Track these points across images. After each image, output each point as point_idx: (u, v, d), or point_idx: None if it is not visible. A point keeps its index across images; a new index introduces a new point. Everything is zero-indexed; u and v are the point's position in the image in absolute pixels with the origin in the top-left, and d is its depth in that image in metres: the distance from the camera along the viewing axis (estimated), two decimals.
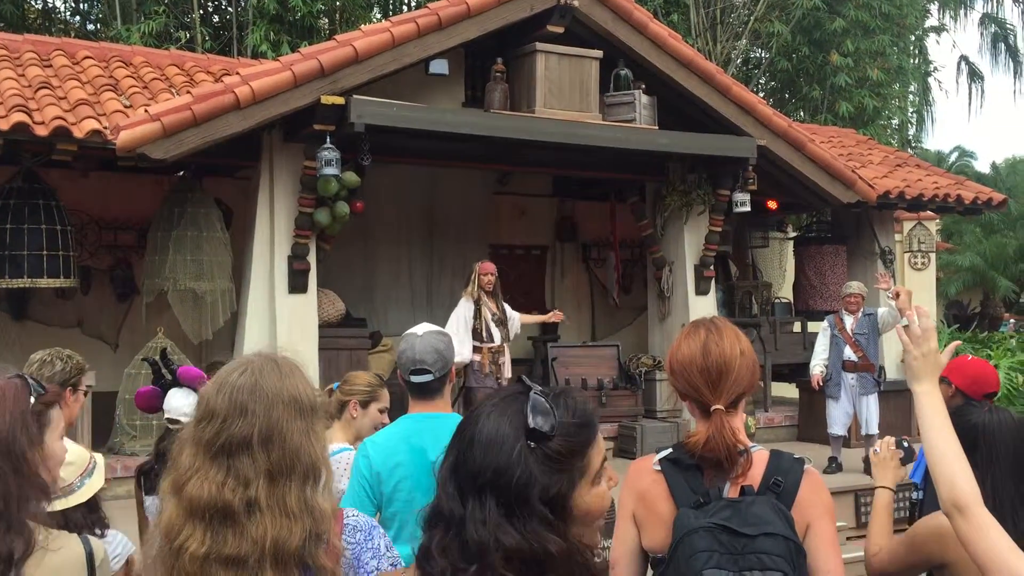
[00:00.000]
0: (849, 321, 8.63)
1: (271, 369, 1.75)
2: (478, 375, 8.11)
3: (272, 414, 1.69)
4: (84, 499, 3.12)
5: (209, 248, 7.80)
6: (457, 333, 7.64)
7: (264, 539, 1.63)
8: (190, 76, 9.09)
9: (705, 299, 9.86)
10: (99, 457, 3.29)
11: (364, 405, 3.90)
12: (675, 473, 2.10)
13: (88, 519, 3.12)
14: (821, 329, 8.90)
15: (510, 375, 8.25)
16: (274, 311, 7.87)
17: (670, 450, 2.15)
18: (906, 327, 2.25)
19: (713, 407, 2.11)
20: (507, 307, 8.46)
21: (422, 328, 3.16)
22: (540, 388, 1.45)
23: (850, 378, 8.61)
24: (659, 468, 2.13)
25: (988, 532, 1.95)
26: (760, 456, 2.12)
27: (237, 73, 7.66)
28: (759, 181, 9.34)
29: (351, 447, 3.71)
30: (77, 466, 3.12)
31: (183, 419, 3.61)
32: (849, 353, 8.56)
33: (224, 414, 1.69)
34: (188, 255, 7.69)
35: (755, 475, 2.08)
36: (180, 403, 3.63)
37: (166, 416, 3.65)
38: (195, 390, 3.65)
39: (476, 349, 8.04)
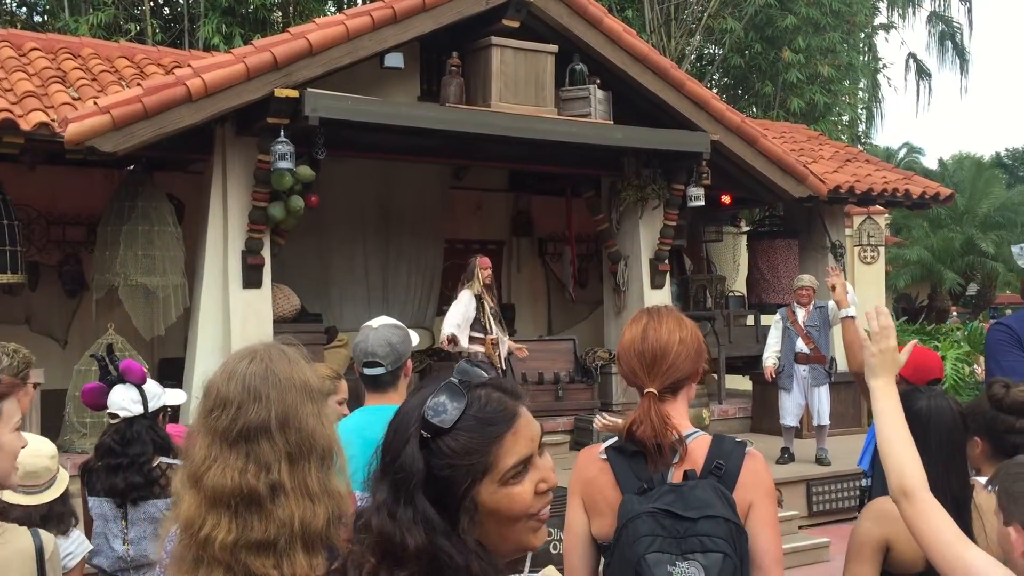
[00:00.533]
0: (801, 314, 8.76)
1: (279, 356, 1.76)
2: (485, 366, 8.02)
3: (286, 398, 1.70)
4: (51, 498, 3.12)
5: (161, 243, 7.68)
6: (459, 326, 7.68)
7: (292, 521, 1.64)
8: (140, 69, 8.94)
9: (660, 292, 9.94)
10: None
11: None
12: (620, 461, 2.13)
13: (66, 510, 3.16)
14: (773, 322, 9.03)
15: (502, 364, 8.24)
16: (228, 306, 7.78)
17: (616, 438, 2.18)
18: (868, 332, 2.30)
19: (646, 390, 2.15)
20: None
21: (378, 321, 3.16)
22: (462, 377, 1.42)
23: (802, 370, 8.75)
24: (605, 457, 2.16)
25: (933, 517, 2.01)
26: (703, 441, 2.15)
27: (189, 66, 7.56)
28: (713, 176, 9.43)
29: None
30: (51, 466, 3.15)
31: (122, 413, 3.57)
32: (801, 345, 8.70)
33: (239, 401, 1.69)
34: (139, 250, 7.57)
35: (698, 460, 2.11)
36: (120, 398, 3.59)
37: (108, 411, 3.61)
38: (137, 386, 3.62)
39: (479, 341, 7.98)
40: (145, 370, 3.72)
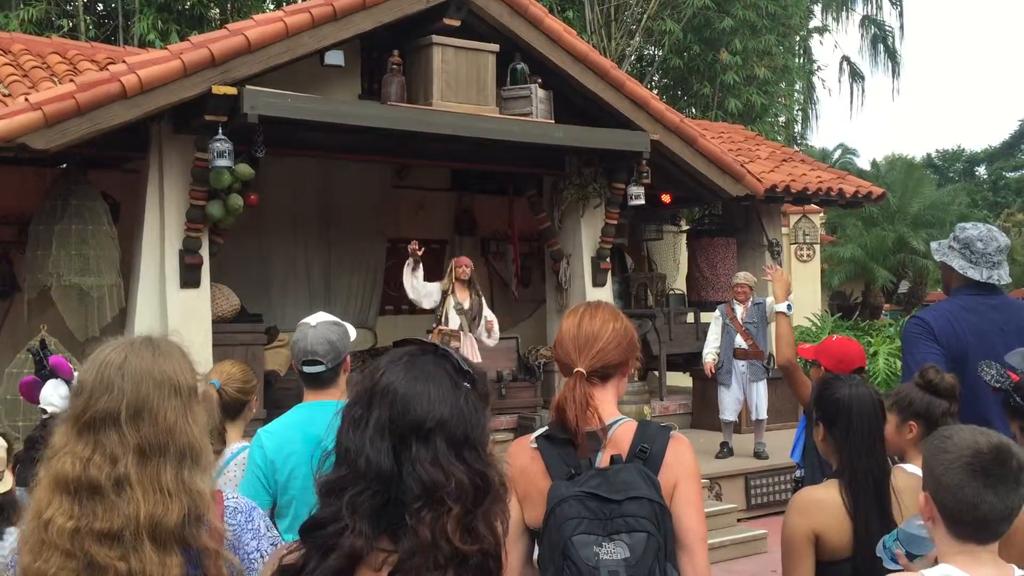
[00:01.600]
0: (739, 310, 8.91)
1: (144, 347, 1.74)
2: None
3: (140, 390, 1.68)
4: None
5: (95, 242, 7.52)
6: (414, 288, 8.16)
7: (137, 514, 1.61)
8: (73, 65, 8.75)
9: (602, 291, 10.01)
10: None
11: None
12: (550, 449, 2.17)
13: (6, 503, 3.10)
14: (713, 319, 9.18)
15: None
16: (165, 306, 7.66)
17: (545, 427, 2.24)
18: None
19: (575, 369, 2.21)
20: (488, 313, 8.53)
21: (315, 318, 3.16)
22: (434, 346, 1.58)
23: (740, 365, 8.90)
24: (535, 446, 2.20)
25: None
26: (629, 427, 2.21)
27: (123, 62, 7.41)
28: (653, 175, 9.53)
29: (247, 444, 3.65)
30: None
31: (50, 409, 3.52)
32: (740, 341, 8.85)
33: (91, 389, 1.68)
34: (73, 250, 7.40)
35: (624, 445, 2.17)
36: (50, 393, 3.54)
37: (40, 406, 3.56)
38: (67, 381, 3.57)
39: (429, 331, 8.28)
40: (73, 368, 3.66)
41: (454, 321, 8.30)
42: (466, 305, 8.35)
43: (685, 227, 13.06)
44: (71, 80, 7.29)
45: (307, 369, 3.02)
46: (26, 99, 6.78)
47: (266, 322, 9.06)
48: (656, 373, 10.99)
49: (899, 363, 12.14)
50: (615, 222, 9.97)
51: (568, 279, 10.06)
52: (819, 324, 13.40)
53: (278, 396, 8.01)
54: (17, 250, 8.59)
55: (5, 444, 3.19)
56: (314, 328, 3.08)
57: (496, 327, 8.61)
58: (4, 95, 7.45)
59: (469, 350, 8.36)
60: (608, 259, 10.09)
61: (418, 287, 8.17)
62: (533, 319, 11.62)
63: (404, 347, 1.56)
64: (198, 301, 7.80)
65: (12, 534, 3.22)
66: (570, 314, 2.33)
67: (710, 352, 9.00)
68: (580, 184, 9.72)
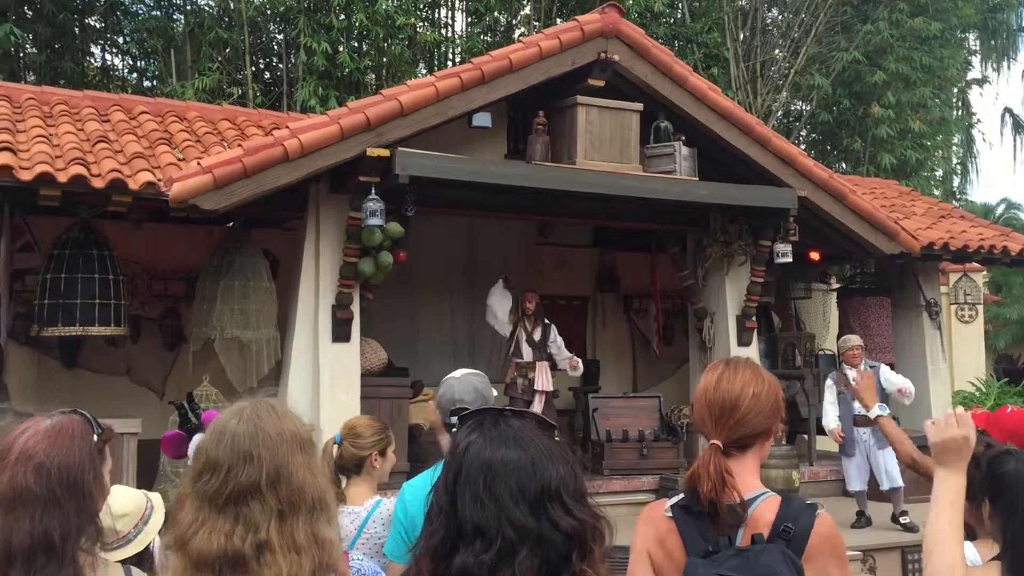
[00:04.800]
0: (852, 375, 8.41)
1: (267, 412, 1.75)
2: (511, 388, 9.01)
3: (278, 455, 1.69)
4: (139, 549, 3.10)
5: (255, 297, 7.90)
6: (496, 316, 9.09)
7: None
8: (241, 130, 9.29)
9: (747, 350, 9.73)
10: (156, 497, 3.28)
11: (382, 453, 3.84)
12: (687, 521, 2.07)
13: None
14: (827, 387, 8.71)
15: (545, 387, 9.06)
16: (318, 359, 7.92)
17: (681, 495, 2.13)
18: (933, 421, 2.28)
19: (711, 441, 2.09)
20: (560, 340, 9.30)
21: (459, 372, 3.21)
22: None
23: (862, 433, 8.41)
24: (671, 515, 2.11)
25: None
26: (771, 502, 2.08)
27: (286, 127, 7.81)
28: (801, 232, 9.28)
29: (382, 498, 3.66)
30: (132, 516, 3.09)
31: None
32: (858, 407, 8.32)
33: (229, 464, 1.67)
34: (235, 304, 7.79)
35: (766, 522, 2.04)
36: None
37: (188, 461, 3.62)
38: None
39: (510, 363, 9.10)
40: None
41: (527, 352, 9.07)
42: (536, 337, 9.13)
43: (835, 285, 12.62)
44: (239, 144, 7.73)
45: (455, 419, 3.02)
46: (198, 163, 7.21)
47: (412, 376, 9.25)
48: (805, 437, 10.57)
49: None
50: (761, 280, 9.74)
51: (712, 338, 9.86)
52: (984, 389, 12.62)
53: (422, 449, 8.13)
54: (185, 304, 9.12)
55: (120, 510, 3.12)
56: (459, 379, 3.13)
57: (564, 348, 9.28)
58: (179, 159, 7.96)
59: (543, 377, 9.06)
60: (754, 318, 9.86)
61: (499, 312, 9.03)
62: (676, 378, 11.44)
63: (482, 416, 1.70)
64: (348, 355, 8.02)
65: None
66: (709, 371, 2.21)
67: (832, 419, 8.52)
68: (725, 241, 9.56)
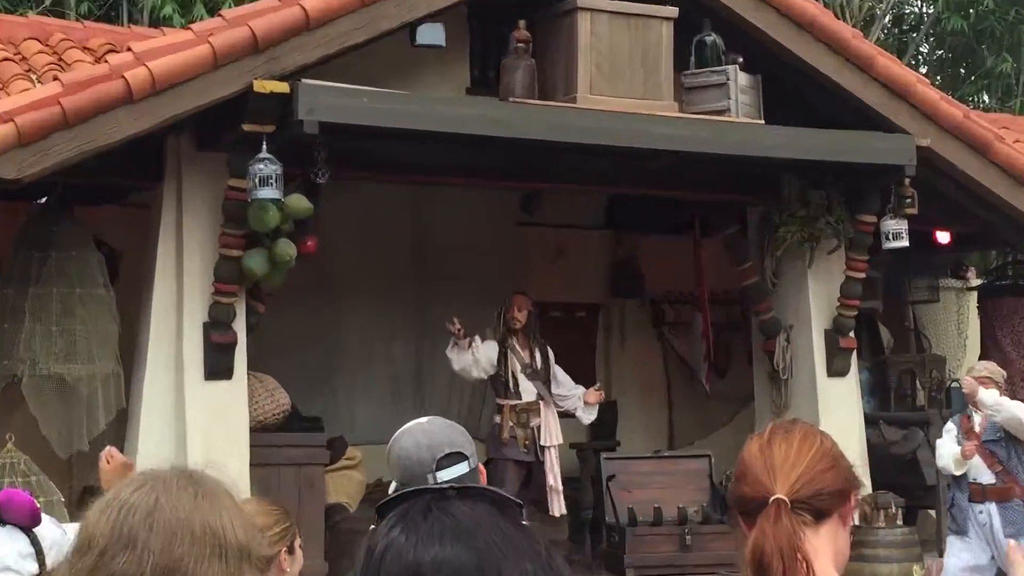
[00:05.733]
0: (978, 420, 8.29)
1: (183, 487, 1.76)
2: (497, 441, 8.87)
3: (174, 550, 1.68)
4: None
5: (85, 313, 7.84)
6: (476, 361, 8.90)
7: None
8: (59, 55, 9.20)
9: (842, 382, 9.80)
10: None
11: (291, 550, 3.86)
12: None
13: None
14: (945, 430, 8.62)
15: (555, 442, 9.01)
16: (183, 407, 7.87)
17: None
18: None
19: (772, 497, 2.15)
20: (559, 370, 9.21)
21: (423, 419, 3.30)
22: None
23: (981, 511, 8.25)
24: None
25: None
26: None
27: (128, 49, 7.75)
28: (922, 202, 9.31)
29: None
30: None
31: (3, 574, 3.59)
32: (980, 470, 8.22)
33: (104, 544, 1.68)
34: (53, 324, 7.71)
35: None
36: (3, 551, 3.61)
37: None
38: (24, 528, 3.62)
39: (497, 408, 8.87)
40: (37, 504, 3.74)
41: (526, 388, 8.92)
42: (538, 364, 9.02)
43: (975, 282, 12.70)
44: (55, 78, 7.65)
45: (446, 474, 3.05)
46: None
47: (328, 431, 9.18)
48: (932, 513, 10.57)
49: None
50: (862, 275, 9.78)
51: (789, 364, 9.88)
52: None
53: (344, 541, 8.06)
54: None
55: None
56: (429, 422, 3.24)
57: (579, 395, 9.24)
58: None
59: (553, 427, 9.00)
60: (852, 333, 9.88)
61: (480, 358, 8.89)
62: (733, 426, 11.40)
63: (410, 502, 1.62)
64: (230, 399, 7.98)
65: None
66: (754, 439, 2.35)
67: (950, 446, 8.37)
68: (806, 217, 9.60)
